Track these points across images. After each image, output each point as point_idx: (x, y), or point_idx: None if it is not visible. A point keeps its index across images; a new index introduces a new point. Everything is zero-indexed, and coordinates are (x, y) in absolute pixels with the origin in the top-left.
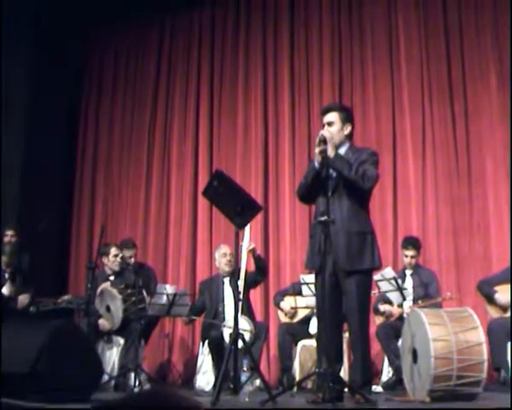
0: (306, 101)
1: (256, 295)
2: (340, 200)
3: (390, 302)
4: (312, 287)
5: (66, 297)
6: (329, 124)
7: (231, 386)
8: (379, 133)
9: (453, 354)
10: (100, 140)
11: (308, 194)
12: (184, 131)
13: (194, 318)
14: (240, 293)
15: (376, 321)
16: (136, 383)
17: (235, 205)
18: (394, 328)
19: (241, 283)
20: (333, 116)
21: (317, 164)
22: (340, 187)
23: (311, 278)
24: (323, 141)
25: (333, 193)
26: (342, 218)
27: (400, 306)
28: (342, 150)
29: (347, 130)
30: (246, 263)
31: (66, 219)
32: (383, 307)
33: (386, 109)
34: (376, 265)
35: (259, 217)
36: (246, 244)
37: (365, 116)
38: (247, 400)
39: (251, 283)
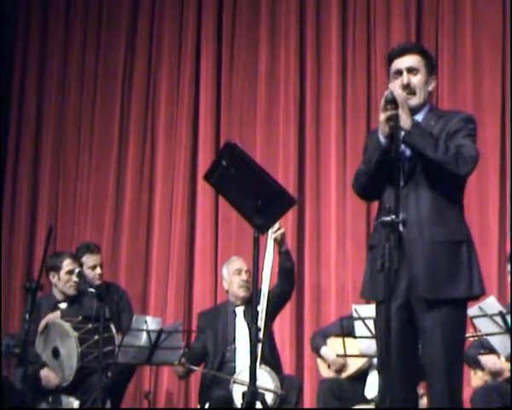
0: (365, 39)
1: (285, 334)
2: (419, 192)
3: (494, 352)
4: (371, 324)
5: None
6: (411, 70)
7: None
8: (479, 92)
9: None
10: (46, 95)
11: (372, 185)
12: (177, 84)
13: (193, 367)
14: (260, 330)
15: (472, 380)
16: None
17: (255, 196)
18: (501, 393)
19: (261, 312)
20: (416, 60)
21: (382, 138)
22: (417, 173)
23: (369, 310)
24: (391, 102)
25: (406, 182)
26: (422, 219)
27: (510, 359)
28: (420, 115)
29: (431, 86)
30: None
31: None
32: (484, 360)
33: (492, 57)
34: (476, 291)
35: (291, 215)
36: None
37: (458, 68)
38: None
39: (275, 301)
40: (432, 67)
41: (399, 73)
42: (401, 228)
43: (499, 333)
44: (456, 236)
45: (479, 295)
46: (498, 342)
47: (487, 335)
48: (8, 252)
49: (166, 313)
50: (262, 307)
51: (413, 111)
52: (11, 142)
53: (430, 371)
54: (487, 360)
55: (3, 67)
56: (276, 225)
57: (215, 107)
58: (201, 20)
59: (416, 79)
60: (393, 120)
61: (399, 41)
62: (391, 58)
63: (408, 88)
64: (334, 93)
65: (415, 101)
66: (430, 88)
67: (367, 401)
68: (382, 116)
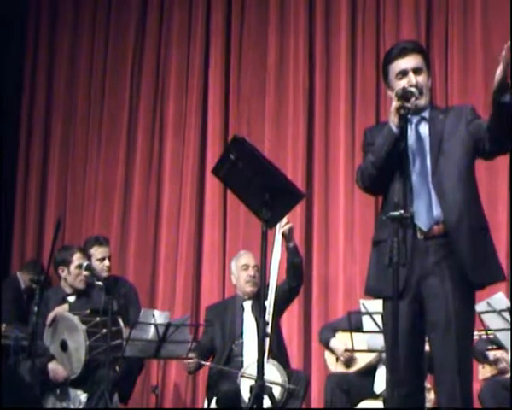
0: (375, 31)
1: (292, 327)
2: (451, 179)
3: (502, 347)
4: (379, 319)
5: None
6: (416, 70)
7: None
8: (489, 86)
9: None
10: (55, 88)
11: (381, 177)
12: (186, 77)
13: (203, 362)
14: (268, 324)
15: (480, 373)
16: None
17: (263, 190)
18: (508, 388)
19: (269, 307)
20: (419, 60)
21: (394, 127)
22: (443, 160)
23: (377, 305)
24: (401, 97)
25: (434, 171)
26: (460, 206)
27: None
28: (426, 113)
29: (429, 83)
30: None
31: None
32: (493, 355)
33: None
34: (502, 275)
35: (299, 209)
36: (280, 223)
37: (468, 61)
38: None
39: (283, 297)
40: (429, 65)
41: (404, 73)
42: (419, 223)
43: (506, 329)
44: (482, 223)
45: (503, 279)
46: (506, 338)
47: (495, 330)
48: (19, 248)
49: (174, 306)
50: (270, 302)
51: (420, 110)
52: (22, 135)
53: (439, 366)
54: (495, 356)
55: (14, 60)
56: (284, 220)
57: (224, 100)
58: (210, 14)
59: (421, 79)
60: (404, 109)
61: (409, 32)
62: (391, 58)
63: (417, 89)
64: (343, 86)
65: (423, 101)
66: (429, 85)
67: (375, 396)
68: (394, 105)
